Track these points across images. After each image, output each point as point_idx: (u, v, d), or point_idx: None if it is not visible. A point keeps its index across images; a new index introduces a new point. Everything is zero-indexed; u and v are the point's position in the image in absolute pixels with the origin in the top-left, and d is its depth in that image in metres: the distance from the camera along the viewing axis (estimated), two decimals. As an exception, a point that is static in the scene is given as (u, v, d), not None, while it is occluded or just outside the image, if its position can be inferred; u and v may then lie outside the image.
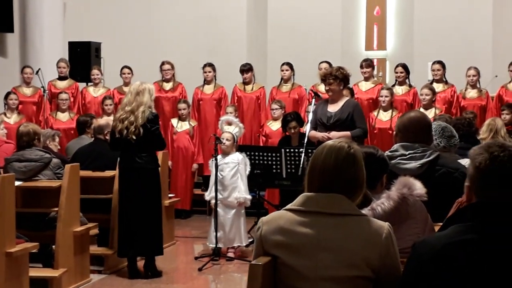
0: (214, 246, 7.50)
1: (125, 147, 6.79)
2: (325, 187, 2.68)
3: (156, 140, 6.81)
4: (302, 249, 2.64)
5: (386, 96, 9.58)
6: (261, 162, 7.88)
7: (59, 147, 8.29)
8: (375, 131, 9.65)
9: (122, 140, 6.73)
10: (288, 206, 2.75)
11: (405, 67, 10.14)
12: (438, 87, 9.90)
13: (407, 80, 10.13)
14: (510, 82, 9.99)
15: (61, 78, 10.89)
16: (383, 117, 9.64)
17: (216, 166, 7.48)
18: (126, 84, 10.48)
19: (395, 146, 4.15)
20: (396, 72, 10.18)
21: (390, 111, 9.60)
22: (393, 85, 10.24)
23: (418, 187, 3.33)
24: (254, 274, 2.57)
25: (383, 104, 9.63)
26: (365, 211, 3.19)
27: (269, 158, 7.89)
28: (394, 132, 4.31)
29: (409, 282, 2.41)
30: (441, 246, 2.34)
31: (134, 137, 6.67)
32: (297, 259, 2.64)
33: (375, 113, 9.76)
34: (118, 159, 6.96)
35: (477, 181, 2.38)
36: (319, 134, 6.94)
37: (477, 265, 2.27)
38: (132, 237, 6.81)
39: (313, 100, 7.38)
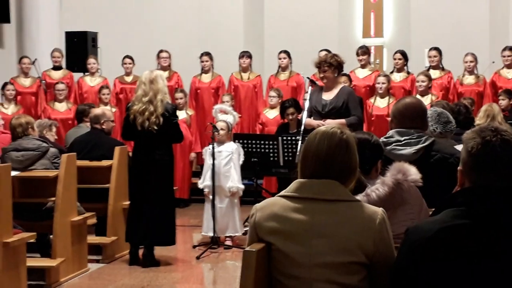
0: (212, 234, 7.52)
1: (144, 139, 6.77)
2: (318, 173, 2.68)
3: (174, 133, 6.83)
4: (296, 236, 2.64)
5: (383, 83, 9.58)
6: (257, 150, 7.88)
7: (56, 137, 8.28)
8: (372, 118, 9.65)
9: (143, 133, 6.72)
10: (282, 193, 2.74)
11: (403, 53, 10.15)
12: (434, 73, 9.89)
13: (405, 67, 10.12)
14: (502, 68, 9.99)
15: (55, 68, 10.87)
16: (380, 104, 9.64)
17: (213, 154, 7.48)
18: (128, 74, 10.48)
19: (390, 132, 4.14)
20: (395, 59, 10.18)
21: (387, 98, 9.60)
22: (391, 72, 10.24)
23: (413, 173, 3.32)
24: (248, 260, 2.57)
25: (380, 91, 9.63)
26: (359, 197, 3.19)
27: (266, 146, 7.88)
28: (390, 119, 4.30)
29: (402, 267, 2.40)
30: (434, 231, 2.33)
31: (155, 127, 6.66)
32: (291, 246, 2.64)
33: (372, 100, 9.76)
34: (119, 149, 6.98)
35: (470, 166, 2.37)
36: (314, 122, 6.94)
37: (470, 250, 2.26)
38: (146, 227, 6.79)
39: (309, 87, 7.37)
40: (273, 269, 2.71)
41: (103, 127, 7.58)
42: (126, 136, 7.04)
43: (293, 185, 2.72)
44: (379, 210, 2.68)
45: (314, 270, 2.61)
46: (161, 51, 10.64)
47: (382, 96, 9.65)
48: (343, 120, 6.99)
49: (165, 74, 10.57)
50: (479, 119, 7.04)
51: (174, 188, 8.86)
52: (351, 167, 2.72)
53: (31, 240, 6.08)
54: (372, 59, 11.21)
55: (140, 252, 7.02)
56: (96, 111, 7.89)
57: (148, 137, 6.73)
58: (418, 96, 9.19)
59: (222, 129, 7.71)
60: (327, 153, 2.68)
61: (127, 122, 6.84)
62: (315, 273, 2.61)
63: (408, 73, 10.11)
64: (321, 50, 9.85)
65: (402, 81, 10.06)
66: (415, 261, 2.35)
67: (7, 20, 11.99)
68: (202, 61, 10.53)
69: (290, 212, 2.66)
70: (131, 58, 10.62)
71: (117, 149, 7.29)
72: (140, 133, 6.75)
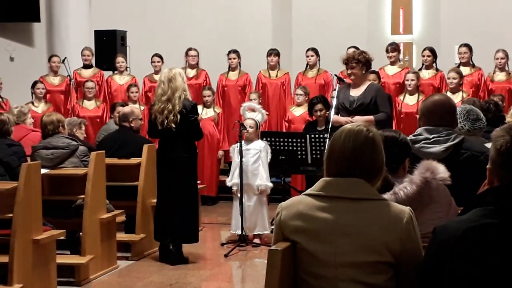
0: (240, 232, 7.53)
1: (165, 137, 6.84)
2: (344, 171, 2.66)
3: (193, 130, 6.85)
4: (321, 235, 2.62)
5: (412, 80, 9.50)
6: (285, 148, 7.86)
7: (85, 135, 8.36)
8: (401, 115, 9.58)
9: (164, 131, 6.78)
10: (308, 191, 2.73)
11: (432, 50, 10.05)
12: (465, 70, 9.78)
13: (434, 64, 10.03)
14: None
15: (86, 66, 10.96)
16: (409, 101, 9.56)
17: (241, 152, 7.48)
18: (157, 72, 10.54)
19: (419, 130, 4.10)
20: (423, 56, 10.09)
21: (416, 95, 9.51)
22: (420, 69, 10.15)
23: (441, 171, 3.28)
24: (273, 259, 2.56)
25: (409, 88, 9.55)
26: (387, 195, 3.16)
27: (294, 144, 7.85)
28: (418, 116, 4.25)
29: (430, 267, 2.38)
30: (462, 231, 2.31)
31: (173, 125, 6.71)
32: (316, 245, 2.62)
33: (401, 97, 9.69)
34: (148, 147, 7.01)
35: (498, 164, 2.33)
36: (342, 119, 6.88)
37: (498, 249, 2.23)
38: (170, 224, 6.86)
39: (337, 85, 7.32)
40: (298, 268, 2.69)
41: (132, 125, 7.62)
42: (151, 134, 7.11)
43: (319, 183, 2.70)
44: (407, 209, 2.65)
45: (340, 269, 2.59)
46: (189, 49, 10.67)
47: (411, 93, 9.57)
48: (371, 117, 6.93)
49: (193, 72, 10.69)
50: (510, 117, 6.94)
51: (202, 186, 8.95)
52: (377, 166, 2.69)
53: (61, 238, 6.14)
54: (401, 56, 11.11)
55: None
56: (125, 109, 7.94)
57: (169, 135, 6.78)
58: (448, 93, 9.12)
59: (251, 127, 7.71)
60: (353, 151, 2.65)
61: (150, 121, 6.92)
62: (340, 272, 2.59)
63: (437, 70, 10.01)
64: (349, 47, 9.79)
65: (431, 78, 9.96)
66: (443, 261, 2.32)
67: (37, 19, 12.12)
68: (230, 59, 10.53)
69: (315, 211, 2.65)
70: (160, 56, 10.67)
71: (145, 147, 7.34)
72: (161, 131, 6.81)
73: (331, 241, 2.61)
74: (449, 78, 9.38)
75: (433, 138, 4.02)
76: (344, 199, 2.63)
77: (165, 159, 6.88)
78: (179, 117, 6.70)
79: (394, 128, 9.35)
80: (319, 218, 2.63)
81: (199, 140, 7.26)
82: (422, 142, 4.03)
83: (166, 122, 6.73)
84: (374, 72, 9.38)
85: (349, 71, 7.18)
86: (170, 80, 6.78)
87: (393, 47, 10.13)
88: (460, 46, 10.03)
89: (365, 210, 2.62)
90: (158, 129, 6.80)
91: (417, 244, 2.63)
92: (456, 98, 8.91)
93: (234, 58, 10.51)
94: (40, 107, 10.11)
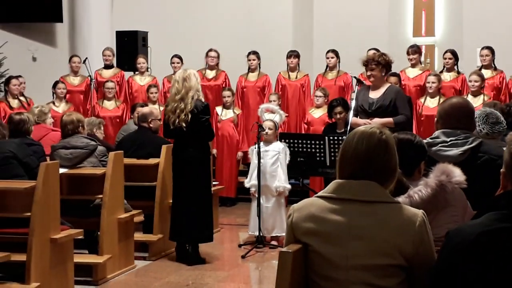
0: (257, 234, 7.52)
1: (178, 137, 6.91)
2: (357, 174, 2.64)
3: (204, 131, 6.87)
4: (333, 237, 2.61)
5: (433, 82, 9.43)
6: (303, 150, 7.83)
7: (104, 135, 8.40)
8: (422, 118, 9.52)
9: (176, 131, 6.84)
10: (320, 193, 2.71)
11: (453, 53, 9.97)
12: (486, 73, 9.69)
13: (455, 67, 9.95)
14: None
15: (106, 66, 11.02)
16: (430, 104, 9.49)
17: (259, 153, 7.48)
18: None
19: (436, 133, 4.07)
20: (445, 58, 10.02)
21: (438, 97, 9.44)
22: (441, 71, 10.08)
23: (457, 174, 3.26)
24: (284, 261, 2.55)
25: (430, 91, 9.48)
26: (401, 198, 3.14)
27: (313, 146, 7.82)
28: (435, 119, 4.22)
29: (442, 271, 2.36)
30: (475, 235, 2.29)
31: (184, 125, 6.76)
32: (328, 247, 2.61)
33: (422, 99, 9.62)
34: (166, 148, 7.07)
35: (512, 168, 2.31)
36: (361, 121, 6.83)
37: (512, 254, 2.21)
38: (184, 224, 6.91)
39: (356, 86, 7.28)
40: (310, 271, 2.68)
41: (151, 125, 7.66)
42: (165, 134, 7.17)
43: (331, 185, 2.69)
44: (419, 212, 2.63)
45: (351, 272, 2.58)
46: (209, 50, 10.69)
47: (432, 96, 9.51)
48: (390, 119, 6.88)
49: (213, 73, 10.70)
50: (531, 120, 6.86)
51: (220, 187, 8.98)
52: (390, 168, 2.67)
53: (79, 237, 6.17)
54: (422, 58, 11.04)
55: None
56: (144, 109, 7.97)
57: (180, 135, 6.85)
58: (470, 96, 9.05)
59: (270, 128, 7.70)
60: (366, 154, 2.63)
61: (164, 121, 7.01)
62: (352, 275, 2.58)
63: (459, 72, 9.93)
64: (369, 49, 9.74)
65: (452, 81, 9.89)
66: (456, 265, 2.30)
67: (60, 20, 12.22)
68: (249, 60, 10.53)
69: (327, 213, 2.63)
70: (179, 57, 10.69)
71: (164, 148, 7.36)
72: (173, 131, 6.88)
73: (343, 243, 2.59)
74: (470, 81, 9.31)
75: (450, 141, 3.99)
76: (357, 201, 2.62)
77: (178, 159, 6.96)
78: (190, 116, 6.75)
79: (414, 131, 9.31)
80: (331, 220, 2.62)
81: (211, 140, 7.28)
82: (439, 145, 3.99)
83: (177, 121, 6.79)
84: (394, 74, 9.35)
85: (368, 73, 7.14)
86: (184, 79, 6.83)
87: (414, 49, 10.07)
88: (482, 48, 9.95)
89: (378, 213, 2.60)
90: (170, 128, 6.87)
91: (429, 248, 2.61)
92: (478, 101, 8.84)
93: (253, 60, 10.51)
94: (61, 107, 10.17)
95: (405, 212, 2.62)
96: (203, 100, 6.98)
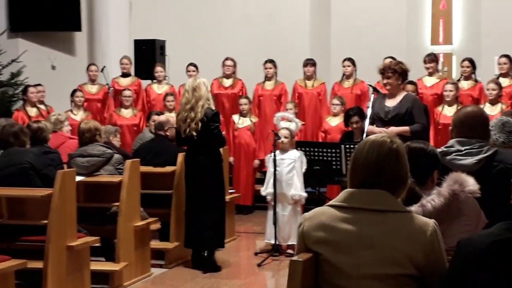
0: (273, 242, 7.52)
1: (189, 145, 7.00)
2: (368, 183, 2.65)
3: (214, 138, 6.92)
4: (344, 246, 2.61)
5: (450, 91, 9.39)
6: (319, 158, 7.83)
7: (120, 143, 8.45)
8: (439, 127, 9.47)
9: (187, 139, 6.94)
10: (331, 202, 2.72)
11: (471, 61, 9.92)
12: (504, 81, 9.64)
13: (473, 75, 9.91)
14: None
15: (124, 75, 11.09)
16: (448, 112, 9.43)
17: (275, 161, 7.49)
18: (192, 81, 10.57)
19: (451, 142, 4.06)
20: (462, 67, 9.98)
21: (455, 106, 9.38)
22: (459, 80, 10.03)
23: (471, 183, 3.25)
24: (295, 270, 2.55)
25: (447, 99, 9.44)
26: (414, 207, 3.14)
27: (329, 154, 7.82)
28: (450, 128, 4.21)
29: (454, 280, 2.36)
30: (486, 244, 2.29)
31: (194, 133, 6.84)
32: (339, 256, 2.61)
33: (439, 108, 9.58)
34: (182, 156, 7.16)
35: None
36: (377, 129, 6.81)
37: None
38: (196, 231, 6.97)
39: (372, 95, 7.26)
40: (321, 280, 2.68)
41: (167, 133, 7.69)
42: (177, 142, 7.25)
43: (342, 194, 2.69)
44: (431, 222, 2.62)
45: (362, 281, 2.58)
46: (226, 59, 10.72)
47: (449, 104, 9.46)
48: (406, 128, 6.85)
49: (229, 81, 10.73)
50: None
51: (237, 195, 9.00)
52: (401, 177, 2.67)
53: (96, 244, 6.21)
54: (440, 66, 11.01)
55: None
56: (161, 118, 8.01)
57: (192, 143, 6.95)
58: (487, 105, 9.01)
59: (285, 137, 7.71)
60: (377, 162, 2.64)
61: (176, 130, 7.11)
62: (363, 284, 2.57)
63: (476, 81, 9.88)
64: (386, 57, 9.73)
65: (469, 89, 9.84)
66: (467, 274, 2.30)
67: (79, 29, 12.30)
68: (266, 68, 10.54)
69: (338, 222, 2.64)
70: (194, 65, 10.73)
71: (180, 155, 7.38)
72: (184, 139, 6.99)
73: (354, 252, 2.59)
74: (488, 89, 9.26)
75: (465, 150, 3.98)
76: (367, 210, 2.62)
77: (189, 167, 7.05)
78: (200, 125, 6.84)
79: (431, 139, 9.28)
80: (341, 229, 2.62)
81: (222, 147, 7.33)
82: (454, 154, 3.98)
83: (188, 130, 6.88)
84: (411, 82, 9.31)
85: (384, 81, 7.11)
86: (194, 89, 6.92)
87: (431, 58, 10.03)
88: (500, 57, 9.90)
89: (389, 222, 2.60)
90: (182, 137, 6.96)
91: (441, 257, 2.61)
92: (495, 110, 8.79)
93: (270, 68, 10.52)
94: (79, 115, 10.24)
95: (416, 221, 2.62)
96: (213, 108, 7.05)
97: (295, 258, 2.61)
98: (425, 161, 3.33)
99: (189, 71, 10.72)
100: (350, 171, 2.70)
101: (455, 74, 11.41)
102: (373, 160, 2.64)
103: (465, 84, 9.88)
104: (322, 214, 2.70)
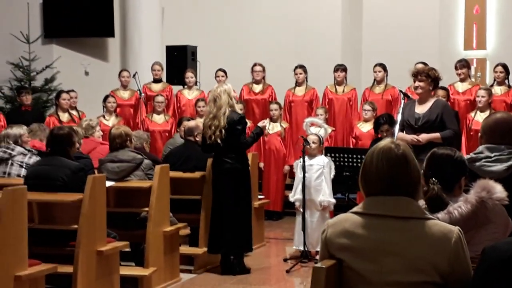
0: (302, 248, 7.50)
1: (215, 151, 7.10)
2: (384, 190, 2.65)
3: (237, 142, 7.01)
4: (367, 253, 2.60)
5: (483, 97, 9.28)
6: (349, 164, 7.80)
7: (149, 147, 8.51)
8: (471, 133, 9.36)
9: (212, 146, 7.06)
10: (354, 209, 2.71)
11: (505, 66, 9.81)
12: (536, 87, 9.51)
13: (506, 80, 9.79)
14: None
15: (155, 80, 11.16)
16: (480, 118, 9.30)
17: (304, 167, 7.47)
18: (222, 87, 10.60)
19: (480, 148, 4.03)
20: (496, 72, 9.86)
21: (488, 112, 9.28)
22: (492, 85, 9.92)
23: (498, 191, 3.21)
24: (318, 277, 2.54)
25: (479, 105, 9.33)
26: (441, 215, 3.11)
27: (358, 160, 7.78)
28: (479, 134, 4.17)
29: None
30: (511, 252, 2.25)
31: (219, 141, 6.96)
32: (362, 263, 2.60)
33: (472, 114, 9.48)
34: (211, 161, 7.23)
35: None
36: (408, 137, 6.71)
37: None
38: (224, 235, 7.02)
39: (402, 100, 7.18)
40: (344, 286, 2.67)
41: (197, 139, 7.71)
42: (203, 148, 7.30)
43: (366, 201, 2.69)
44: (455, 229, 2.59)
45: (385, 288, 2.56)
46: (254, 64, 10.72)
47: (482, 110, 9.34)
48: (437, 134, 6.76)
49: (259, 87, 10.74)
50: None
51: (266, 201, 8.99)
52: (413, 180, 2.66)
53: (126, 249, 6.25)
54: (473, 72, 10.89)
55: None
56: (190, 123, 8.04)
57: (218, 148, 7.05)
58: (519, 111, 8.91)
59: (314, 142, 7.69)
60: (388, 171, 2.64)
61: (203, 136, 7.21)
62: (386, 292, 2.56)
63: (509, 86, 9.76)
64: (417, 63, 9.66)
65: (503, 95, 9.72)
66: (492, 282, 2.28)
67: (112, 35, 12.44)
68: (296, 74, 10.53)
69: (361, 229, 2.63)
70: (223, 71, 10.76)
71: (209, 161, 7.39)
72: (210, 145, 7.09)
73: (377, 259, 2.57)
74: (521, 95, 9.15)
75: (494, 156, 3.94)
76: (391, 217, 2.60)
77: (215, 172, 7.15)
78: (224, 132, 6.95)
79: (463, 145, 9.19)
80: (364, 236, 2.61)
81: (246, 149, 7.39)
82: (483, 160, 3.95)
83: (213, 137, 6.99)
84: (443, 88, 9.23)
85: (416, 84, 6.97)
86: (215, 99, 7.08)
87: (462, 64, 9.92)
88: (533, 62, 9.77)
89: (412, 229, 2.58)
90: (207, 143, 7.07)
91: (466, 265, 2.58)
92: (529, 116, 8.66)
93: (300, 73, 10.51)
94: (111, 121, 10.32)
95: (440, 228, 2.59)
96: (239, 111, 7.14)
97: (318, 264, 2.60)
98: (452, 167, 3.30)
99: (218, 76, 10.75)
100: (363, 182, 2.72)
101: (488, 80, 11.27)
102: (385, 169, 2.64)
103: (498, 90, 9.76)
104: (345, 220, 2.69)
